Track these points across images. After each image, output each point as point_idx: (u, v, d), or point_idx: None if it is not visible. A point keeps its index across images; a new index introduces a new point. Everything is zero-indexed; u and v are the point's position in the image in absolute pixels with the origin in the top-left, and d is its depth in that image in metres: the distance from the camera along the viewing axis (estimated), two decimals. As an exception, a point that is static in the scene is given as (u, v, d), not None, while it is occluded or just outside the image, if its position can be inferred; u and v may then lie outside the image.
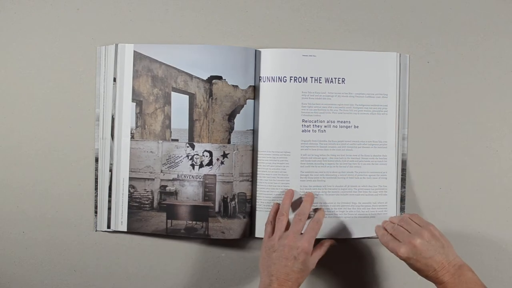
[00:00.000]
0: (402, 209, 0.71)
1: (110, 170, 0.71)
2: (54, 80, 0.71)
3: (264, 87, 0.70)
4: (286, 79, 0.70)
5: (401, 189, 0.71)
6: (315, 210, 0.69)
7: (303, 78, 0.70)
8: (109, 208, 0.71)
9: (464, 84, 0.72)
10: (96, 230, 0.71)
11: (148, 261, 0.72)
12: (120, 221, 0.71)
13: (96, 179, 0.71)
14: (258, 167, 0.70)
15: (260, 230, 0.70)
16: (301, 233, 0.63)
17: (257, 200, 0.70)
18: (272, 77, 0.70)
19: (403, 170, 0.71)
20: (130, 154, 0.71)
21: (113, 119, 0.70)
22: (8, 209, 0.72)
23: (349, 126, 0.70)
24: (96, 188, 0.71)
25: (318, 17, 0.71)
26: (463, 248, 0.72)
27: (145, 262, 0.72)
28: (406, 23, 0.72)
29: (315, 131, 0.70)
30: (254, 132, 0.70)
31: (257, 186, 0.70)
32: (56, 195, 0.72)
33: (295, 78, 0.70)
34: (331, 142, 0.70)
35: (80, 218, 0.72)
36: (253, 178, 0.70)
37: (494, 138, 0.72)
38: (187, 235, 0.70)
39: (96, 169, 0.71)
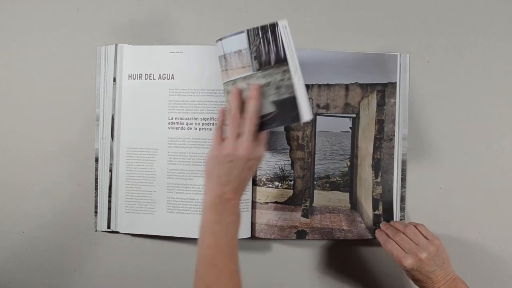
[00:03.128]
0: (402, 209, 0.71)
1: (110, 170, 0.71)
2: (54, 80, 0.71)
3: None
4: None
5: (401, 189, 0.71)
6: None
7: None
8: (109, 208, 0.71)
9: (464, 84, 0.72)
10: (96, 230, 0.71)
11: (148, 261, 0.72)
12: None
13: (96, 179, 0.71)
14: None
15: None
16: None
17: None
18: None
19: (403, 170, 0.71)
20: (130, 154, 0.71)
21: (113, 119, 0.70)
22: (8, 209, 0.72)
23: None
24: (96, 188, 0.71)
25: (318, 17, 0.71)
26: (463, 248, 0.72)
27: (145, 262, 0.72)
28: (406, 23, 0.72)
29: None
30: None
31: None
32: (56, 195, 0.72)
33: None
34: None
35: (80, 218, 0.72)
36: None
37: (494, 138, 0.72)
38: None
39: (96, 169, 0.71)
